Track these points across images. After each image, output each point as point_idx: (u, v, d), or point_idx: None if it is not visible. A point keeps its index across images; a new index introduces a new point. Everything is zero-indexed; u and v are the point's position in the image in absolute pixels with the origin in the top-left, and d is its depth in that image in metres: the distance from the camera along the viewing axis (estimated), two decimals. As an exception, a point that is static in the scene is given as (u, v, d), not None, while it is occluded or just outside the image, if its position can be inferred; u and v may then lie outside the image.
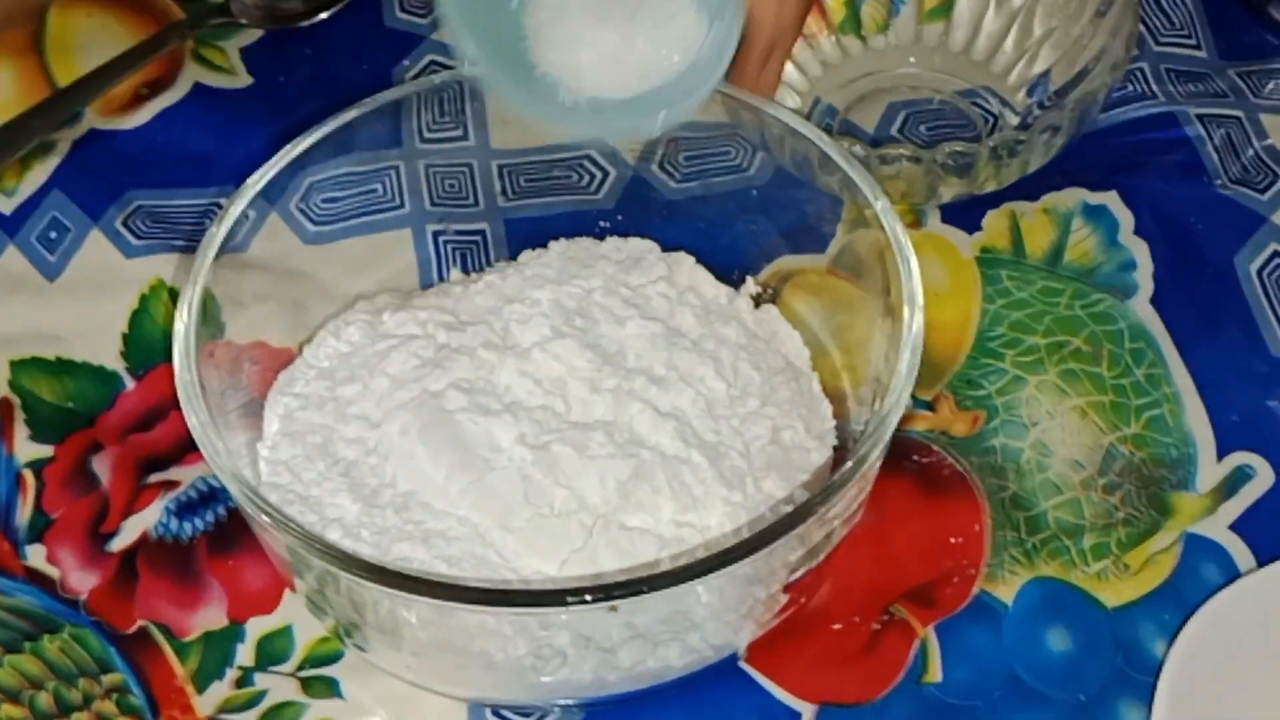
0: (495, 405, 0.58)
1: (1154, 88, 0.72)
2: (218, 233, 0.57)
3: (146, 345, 0.66)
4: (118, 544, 0.61)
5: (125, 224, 0.69)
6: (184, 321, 0.55)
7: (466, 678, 0.56)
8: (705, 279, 0.64)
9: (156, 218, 0.70)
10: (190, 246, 0.68)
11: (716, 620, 0.55)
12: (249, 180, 0.59)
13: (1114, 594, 0.59)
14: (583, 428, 0.57)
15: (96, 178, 0.71)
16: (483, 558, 0.55)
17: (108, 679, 0.58)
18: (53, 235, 0.69)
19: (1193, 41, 0.74)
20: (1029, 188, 0.69)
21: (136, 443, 0.64)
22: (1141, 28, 0.73)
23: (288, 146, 0.60)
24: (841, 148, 0.59)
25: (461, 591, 0.50)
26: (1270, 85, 0.72)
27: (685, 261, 0.64)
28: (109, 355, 0.66)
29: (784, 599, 0.56)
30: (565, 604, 0.50)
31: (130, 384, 0.65)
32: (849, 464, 0.52)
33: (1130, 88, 0.72)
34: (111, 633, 0.59)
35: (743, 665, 0.58)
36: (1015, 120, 0.71)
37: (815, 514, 0.51)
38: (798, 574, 0.55)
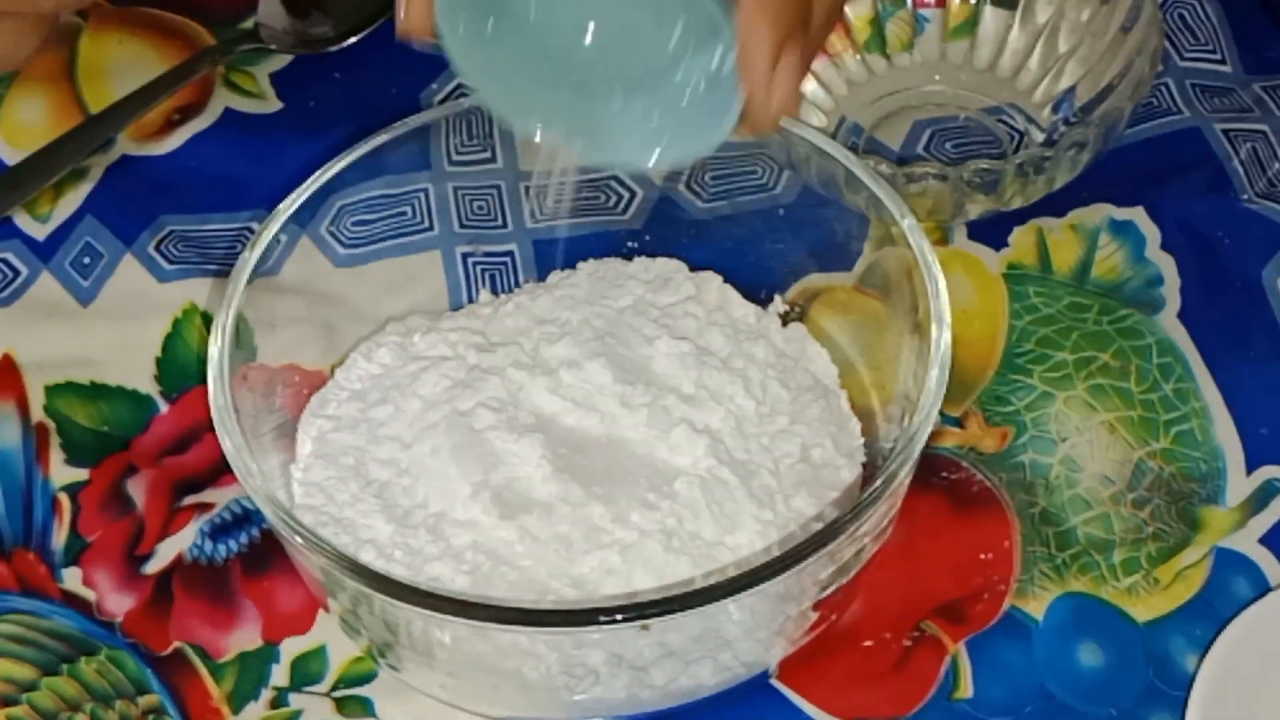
0: (526, 424, 0.58)
1: (1179, 103, 0.73)
2: (250, 257, 0.58)
3: (180, 369, 0.67)
4: (153, 566, 0.62)
5: (158, 249, 0.70)
6: (218, 345, 0.56)
7: (500, 697, 0.56)
8: (733, 298, 0.64)
9: (189, 242, 0.70)
10: (222, 270, 0.69)
11: (748, 638, 0.55)
12: (281, 204, 0.59)
13: (1145, 609, 0.59)
14: (614, 446, 0.57)
15: (129, 203, 0.72)
16: (515, 577, 0.55)
17: (144, 700, 0.59)
18: (86, 261, 0.70)
19: (1217, 57, 0.75)
20: (1055, 204, 0.69)
21: (171, 466, 0.64)
22: (1166, 43, 0.73)
23: (319, 171, 0.60)
24: (868, 166, 0.60)
25: (495, 611, 0.50)
26: (1295, 99, 0.73)
27: (713, 281, 0.65)
28: (142, 379, 0.67)
29: (815, 616, 0.56)
30: (598, 623, 0.50)
31: (164, 407, 0.66)
32: (879, 481, 0.53)
33: (1155, 103, 0.73)
34: (148, 654, 0.60)
35: (774, 682, 0.58)
36: (1041, 137, 0.72)
37: (846, 531, 0.51)
38: (828, 591, 0.55)
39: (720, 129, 0.53)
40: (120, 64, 0.76)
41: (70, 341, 0.68)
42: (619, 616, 0.50)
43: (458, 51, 0.54)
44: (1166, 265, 0.68)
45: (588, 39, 0.54)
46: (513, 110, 0.55)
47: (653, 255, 0.66)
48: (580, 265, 0.66)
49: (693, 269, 0.65)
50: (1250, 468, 0.62)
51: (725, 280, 0.65)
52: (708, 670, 0.55)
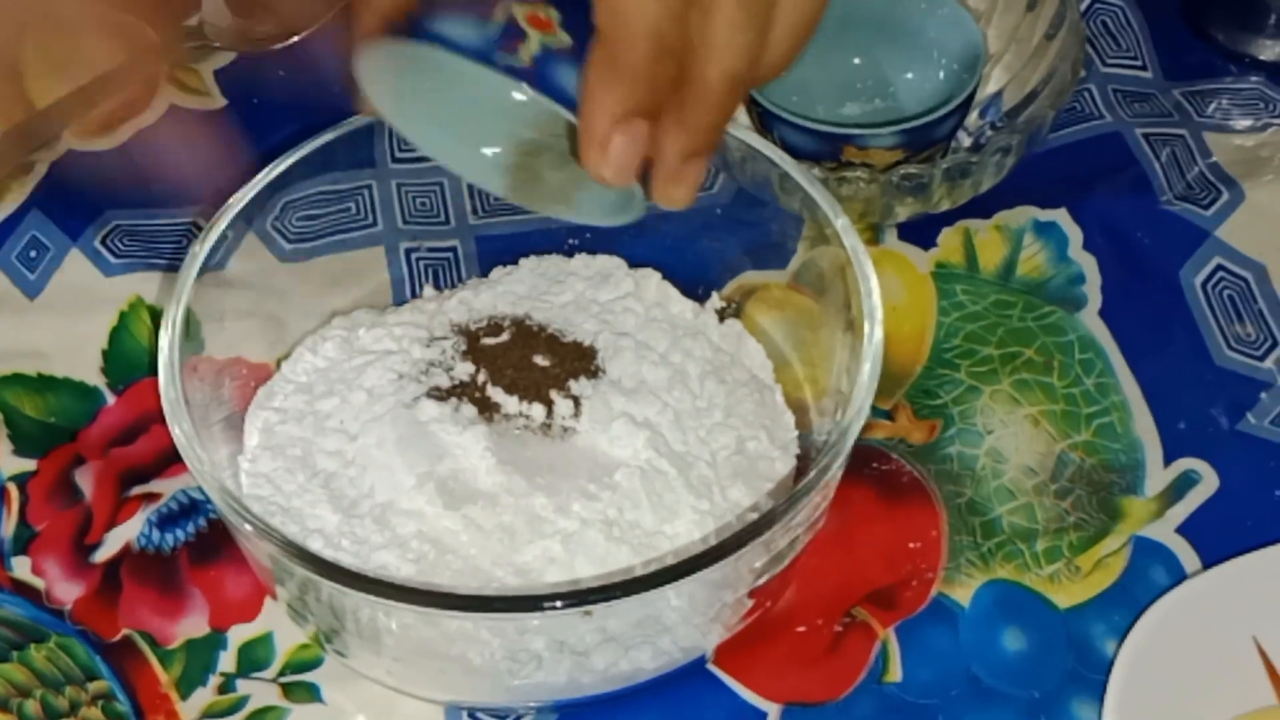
0: (470, 416, 0.59)
1: (1101, 108, 0.75)
2: (201, 250, 0.59)
3: (126, 361, 0.68)
4: (101, 555, 0.63)
5: (104, 243, 0.71)
6: (168, 337, 0.57)
7: (445, 681, 0.58)
8: (672, 294, 0.66)
9: (134, 237, 0.71)
10: (168, 265, 0.70)
11: (686, 624, 0.56)
12: (231, 199, 0.60)
13: (1066, 595, 0.61)
14: (557, 437, 0.59)
15: (75, 198, 0.72)
16: (460, 566, 0.56)
17: (94, 686, 0.60)
18: (32, 254, 0.71)
19: (1138, 63, 0.77)
20: (982, 206, 0.71)
21: (118, 456, 0.65)
22: (1088, 50, 0.75)
23: (268, 167, 0.61)
24: (803, 168, 0.61)
25: (441, 599, 0.52)
26: (1213, 104, 0.75)
27: (652, 277, 0.66)
28: (89, 371, 0.68)
29: (750, 603, 0.58)
30: (541, 609, 0.51)
31: (111, 399, 0.67)
32: (812, 473, 0.54)
33: (1078, 108, 0.75)
34: (97, 641, 0.61)
35: (711, 667, 0.60)
36: (968, 141, 0.73)
37: (780, 521, 0.53)
38: (763, 579, 0.57)
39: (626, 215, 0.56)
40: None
41: (17, 334, 0.69)
42: (559, 604, 0.51)
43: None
44: (1088, 264, 0.70)
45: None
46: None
47: (593, 252, 0.67)
48: (522, 261, 0.67)
49: (632, 266, 0.66)
50: (1168, 459, 0.65)
51: (664, 277, 0.66)
52: (647, 655, 0.56)
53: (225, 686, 0.60)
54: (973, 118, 0.73)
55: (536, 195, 0.59)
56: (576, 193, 0.58)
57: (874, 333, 0.57)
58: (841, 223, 0.59)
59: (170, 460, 0.64)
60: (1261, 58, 0.76)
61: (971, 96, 0.70)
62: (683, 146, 0.51)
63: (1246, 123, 0.74)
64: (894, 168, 0.68)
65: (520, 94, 0.50)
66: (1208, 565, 0.62)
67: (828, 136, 0.69)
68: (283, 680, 0.60)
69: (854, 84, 0.74)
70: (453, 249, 0.69)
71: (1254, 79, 0.76)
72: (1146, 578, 0.62)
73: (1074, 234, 0.71)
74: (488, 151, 0.58)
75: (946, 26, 0.72)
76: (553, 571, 0.56)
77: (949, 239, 0.71)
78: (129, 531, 0.63)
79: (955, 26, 0.72)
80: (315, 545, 0.57)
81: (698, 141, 0.51)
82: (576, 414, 0.60)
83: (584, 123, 0.50)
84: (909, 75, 0.73)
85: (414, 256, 0.69)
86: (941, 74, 0.72)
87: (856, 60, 0.74)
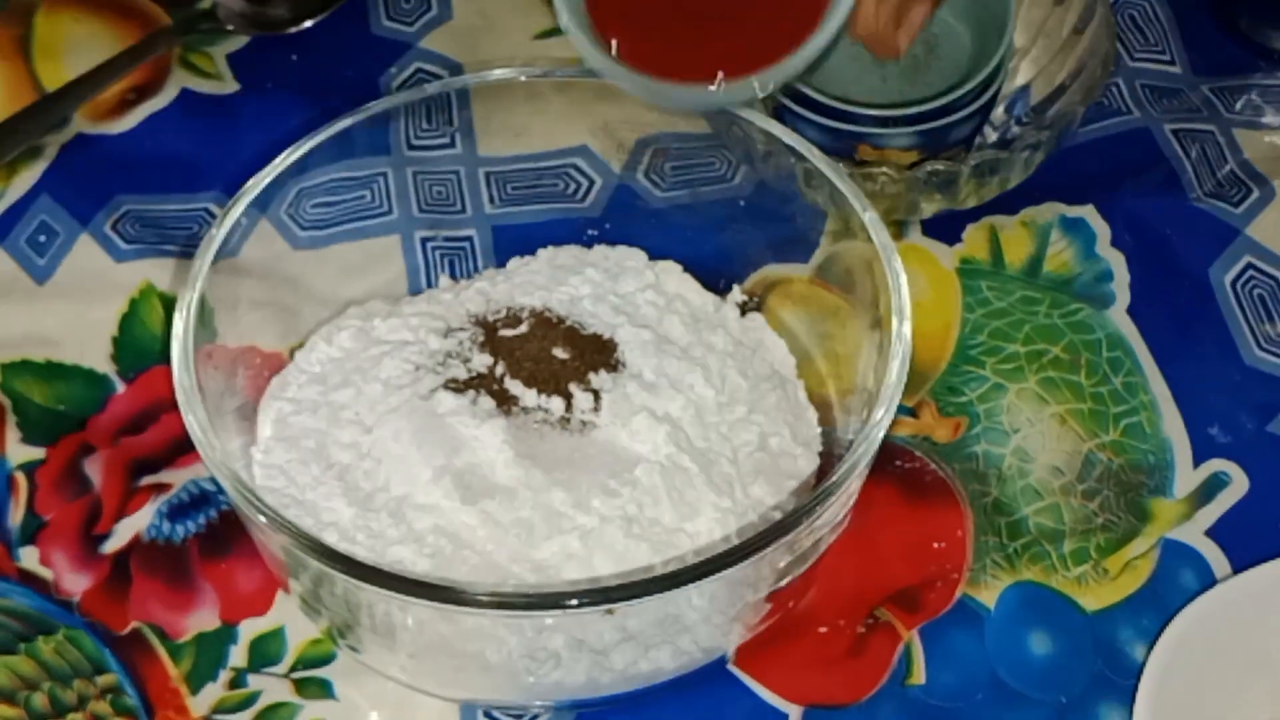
0: (488, 409, 0.58)
1: (1129, 104, 0.74)
2: (217, 235, 0.58)
3: (137, 349, 0.67)
4: (110, 546, 0.62)
5: (114, 228, 0.70)
6: (183, 323, 0.56)
7: (461, 679, 0.57)
8: (692, 287, 0.65)
9: (145, 222, 0.70)
10: (179, 251, 0.69)
11: (707, 623, 0.56)
12: (248, 184, 0.59)
13: (1094, 598, 0.60)
14: (576, 431, 0.58)
15: (85, 182, 0.71)
16: (477, 561, 0.55)
17: (102, 680, 0.59)
18: (42, 239, 0.70)
19: (1167, 58, 0.76)
20: (1008, 202, 0.70)
21: (128, 445, 0.64)
22: (1116, 44, 0.74)
23: (284, 153, 0.60)
24: (831, 161, 0.60)
25: (459, 595, 0.51)
26: (1242, 100, 0.74)
27: (673, 270, 0.65)
28: (99, 358, 0.67)
29: (772, 603, 0.57)
30: (563, 607, 0.51)
31: (120, 387, 0.66)
32: (838, 472, 0.53)
33: (1106, 103, 0.74)
34: (105, 634, 0.60)
35: (731, 668, 0.59)
36: (994, 136, 0.72)
37: (805, 521, 0.52)
38: (786, 579, 0.56)
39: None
40: (76, 42, 0.76)
41: (26, 320, 0.67)
42: (574, 601, 0.50)
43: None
44: (1116, 261, 0.69)
45: None
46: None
47: (612, 243, 0.66)
48: (540, 252, 0.66)
49: (652, 258, 0.65)
50: (1197, 461, 0.64)
51: (684, 269, 0.65)
52: (667, 655, 0.56)
53: (236, 681, 0.59)
54: (999, 113, 0.72)
55: None
56: None
57: (903, 330, 0.56)
58: (869, 217, 0.58)
59: (181, 450, 0.63)
60: (1291, 54, 0.76)
61: (993, 99, 0.69)
62: None
63: (1277, 120, 0.73)
64: (921, 164, 0.67)
65: None
66: (1237, 569, 0.61)
67: (843, 134, 0.68)
68: (295, 676, 0.59)
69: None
70: (469, 238, 0.68)
71: (1283, 76, 0.75)
72: (1175, 581, 0.61)
73: (1102, 230, 0.70)
74: None
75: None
76: (571, 568, 0.55)
77: (974, 235, 0.70)
78: (139, 522, 0.62)
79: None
80: (330, 539, 0.55)
81: None
82: (596, 408, 0.59)
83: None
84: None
85: (430, 246, 0.68)
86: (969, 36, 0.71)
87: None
